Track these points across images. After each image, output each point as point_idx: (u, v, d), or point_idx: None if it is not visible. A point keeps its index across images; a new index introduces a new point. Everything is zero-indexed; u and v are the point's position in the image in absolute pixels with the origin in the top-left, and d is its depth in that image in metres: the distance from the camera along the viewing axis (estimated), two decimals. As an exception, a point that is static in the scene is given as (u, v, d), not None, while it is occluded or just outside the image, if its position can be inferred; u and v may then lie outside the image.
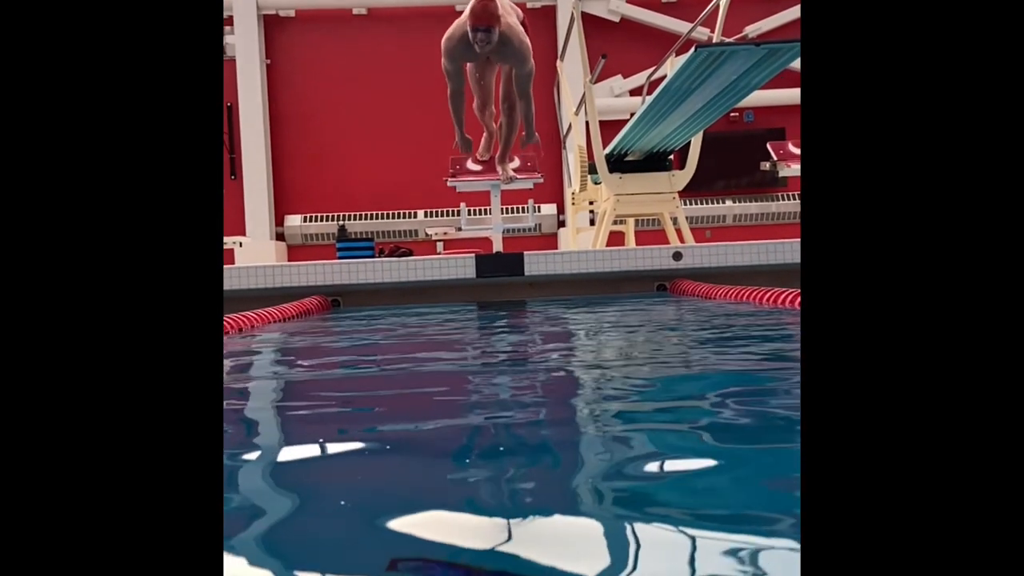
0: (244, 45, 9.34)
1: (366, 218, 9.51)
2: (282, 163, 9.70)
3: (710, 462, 0.85)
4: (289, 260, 9.21)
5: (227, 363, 1.88)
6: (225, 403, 1.27)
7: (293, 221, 9.57)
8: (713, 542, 0.61)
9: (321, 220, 9.57)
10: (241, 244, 7.91)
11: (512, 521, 0.67)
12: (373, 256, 5.66)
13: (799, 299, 2.49)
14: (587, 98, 5.25)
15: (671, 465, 0.85)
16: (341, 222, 9.40)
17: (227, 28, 9.37)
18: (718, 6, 4.79)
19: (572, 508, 0.71)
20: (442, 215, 9.10)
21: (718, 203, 9.45)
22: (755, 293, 3.09)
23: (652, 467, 0.85)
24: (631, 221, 6.05)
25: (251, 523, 0.71)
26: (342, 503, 0.75)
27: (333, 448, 1.00)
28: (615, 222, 5.59)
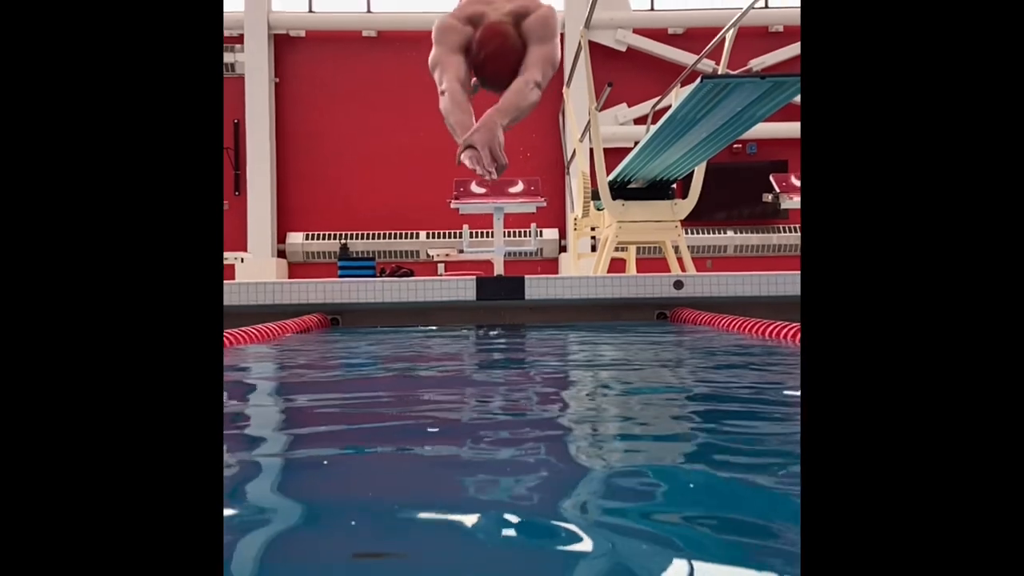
0: (254, 63, 9.43)
1: (368, 237, 9.54)
2: (286, 180, 9.74)
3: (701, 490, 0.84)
4: (290, 277, 9.21)
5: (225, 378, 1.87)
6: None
7: (295, 238, 9.60)
8: None
9: (323, 238, 9.59)
10: (243, 260, 7.92)
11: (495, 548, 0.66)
12: (374, 275, 5.66)
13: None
14: (592, 125, 5.29)
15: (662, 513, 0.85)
16: (343, 241, 9.43)
17: (237, 46, 9.48)
18: (724, 39, 4.85)
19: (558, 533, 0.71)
20: (444, 237, 9.13)
21: (720, 233, 9.49)
22: (758, 326, 3.08)
23: (644, 502, 0.84)
24: (633, 248, 6.07)
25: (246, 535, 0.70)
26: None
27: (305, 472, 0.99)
28: (617, 249, 5.60)
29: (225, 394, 1.60)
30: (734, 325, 3.37)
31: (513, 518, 0.73)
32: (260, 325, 3.31)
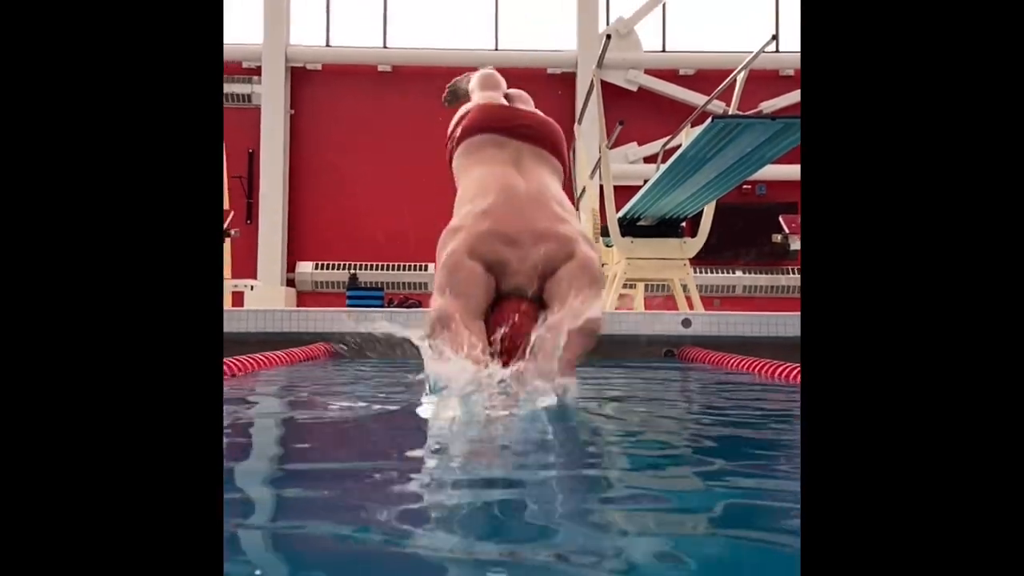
0: (270, 94, 9.58)
1: (377, 268, 9.57)
2: (298, 210, 9.83)
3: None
4: (298, 306, 9.24)
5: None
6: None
7: (304, 268, 9.65)
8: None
9: (333, 268, 9.64)
10: (252, 288, 7.96)
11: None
12: (383, 306, 5.67)
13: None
14: (603, 162, 5.33)
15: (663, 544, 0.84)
16: (353, 271, 9.47)
17: (255, 78, 9.64)
18: (735, 81, 4.90)
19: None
20: (452, 270, 9.14)
21: (728, 273, 9.48)
22: (767, 367, 3.07)
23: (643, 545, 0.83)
24: (640, 286, 6.07)
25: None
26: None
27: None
28: (625, 286, 5.61)
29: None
30: (743, 365, 3.36)
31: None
32: (265, 353, 3.32)
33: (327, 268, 9.67)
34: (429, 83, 10.07)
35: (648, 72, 9.70)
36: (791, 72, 9.59)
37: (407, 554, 0.71)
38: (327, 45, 9.99)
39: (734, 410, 2.10)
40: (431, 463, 1.23)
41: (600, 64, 5.60)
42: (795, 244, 7.27)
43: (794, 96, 9.41)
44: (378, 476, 1.12)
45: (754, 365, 3.23)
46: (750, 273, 9.50)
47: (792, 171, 8.95)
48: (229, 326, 4.22)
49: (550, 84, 9.59)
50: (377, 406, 1.92)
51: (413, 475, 1.12)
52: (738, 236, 9.17)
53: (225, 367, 2.59)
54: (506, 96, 2.57)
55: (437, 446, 1.39)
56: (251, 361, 3.02)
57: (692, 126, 5.29)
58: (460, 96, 3.09)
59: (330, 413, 1.84)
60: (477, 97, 2.48)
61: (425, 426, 1.55)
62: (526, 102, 2.61)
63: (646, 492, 1.07)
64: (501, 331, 1.77)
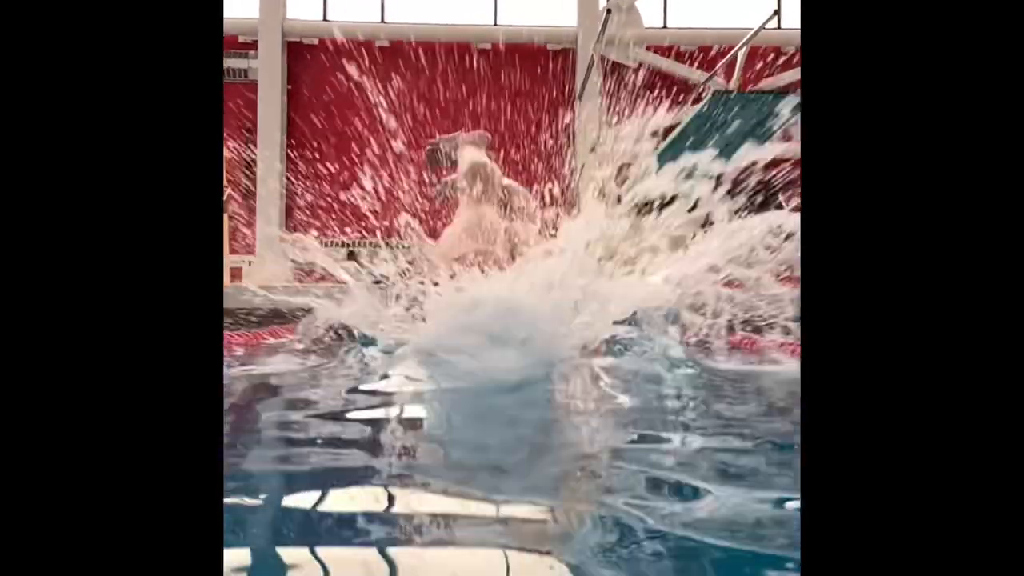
0: (267, 69, 9.49)
1: (376, 245, 9.55)
2: (295, 186, 9.78)
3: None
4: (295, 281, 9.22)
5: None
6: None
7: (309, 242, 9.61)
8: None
9: (330, 245, 9.61)
10: (250, 263, 7.94)
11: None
12: (379, 283, 5.65)
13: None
14: (601, 138, 5.29)
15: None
16: (350, 247, 9.44)
17: (251, 52, 9.54)
18: (736, 57, 4.86)
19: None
20: (451, 247, 9.12)
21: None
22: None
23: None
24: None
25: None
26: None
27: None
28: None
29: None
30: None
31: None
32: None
33: (325, 245, 9.64)
34: (427, 58, 10.00)
35: (649, 48, 9.60)
36: (792, 50, 9.50)
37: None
38: (324, 19, 9.88)
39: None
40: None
41: (600, 40, 5.55)
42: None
43: (797, 74, 9.33)
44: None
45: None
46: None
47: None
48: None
49: (550, 61, 9.51)
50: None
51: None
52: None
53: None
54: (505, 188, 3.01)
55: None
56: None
57: (693, 104, 5.25)
58: (440, 161, 3.59)
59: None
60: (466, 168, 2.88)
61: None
62: (524, 197, 3.01)
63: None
64: None
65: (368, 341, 2.00)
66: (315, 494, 0.91)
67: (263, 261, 8.75)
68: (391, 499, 0.90)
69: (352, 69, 9.72)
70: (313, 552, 0.70)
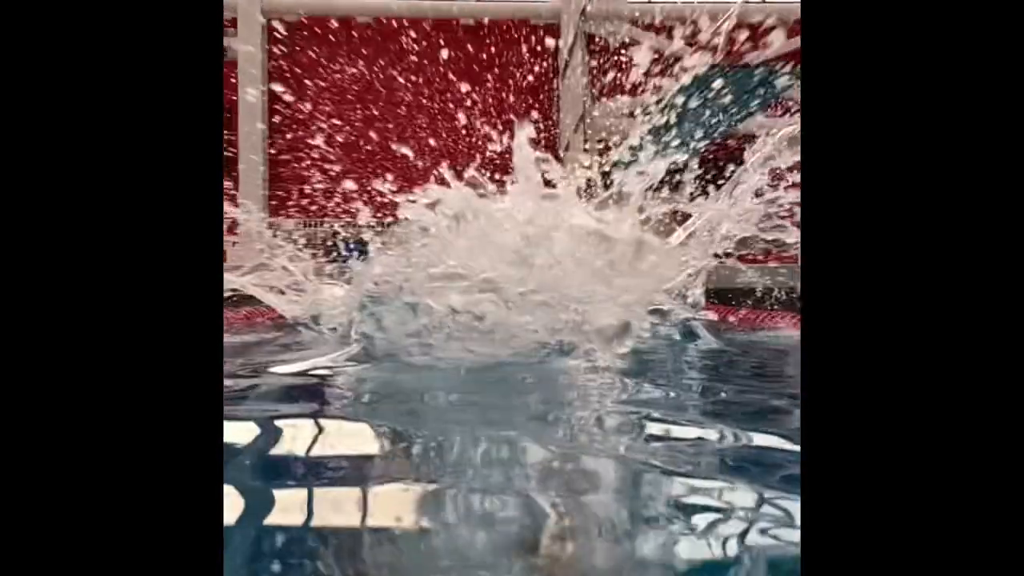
0: (247, 47, 9.35)
1: (358, 226, 9.49)
2: (278, 167, 9.69)
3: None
4: (281, 264, 9.17)
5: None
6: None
7: (286, 226, 9.54)
8: None
9: (314, 226, 9.55)
10: (234, 244, 7.88)
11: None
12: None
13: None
14: (587, 112, 5.27)
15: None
16: (334, 228, 9.38)
17: (230, 30, 9.39)
18: (720, 32, 4.83)
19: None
20: (436, 226, 9.07)
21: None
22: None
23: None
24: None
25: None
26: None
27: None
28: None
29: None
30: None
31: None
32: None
33: (309, 226, 9.57)
34: (410, 35, 9.88)
35: (634, 24, 9.53)
36: (773, 22, 9.46)
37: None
38: (304, -6, 9.73)
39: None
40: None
41: (584, 14, 5.50)
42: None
43: (778, 47, 9.29)
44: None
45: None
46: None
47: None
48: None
49: (534, 34, 9.43)
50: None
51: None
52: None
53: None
54: None
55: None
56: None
57: (677, 80, 5.22)
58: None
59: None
60: None
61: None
62: None
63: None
64: None
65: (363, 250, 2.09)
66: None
67: (250, 241, 8.69)
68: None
69: (333, 46, 9.61)
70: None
